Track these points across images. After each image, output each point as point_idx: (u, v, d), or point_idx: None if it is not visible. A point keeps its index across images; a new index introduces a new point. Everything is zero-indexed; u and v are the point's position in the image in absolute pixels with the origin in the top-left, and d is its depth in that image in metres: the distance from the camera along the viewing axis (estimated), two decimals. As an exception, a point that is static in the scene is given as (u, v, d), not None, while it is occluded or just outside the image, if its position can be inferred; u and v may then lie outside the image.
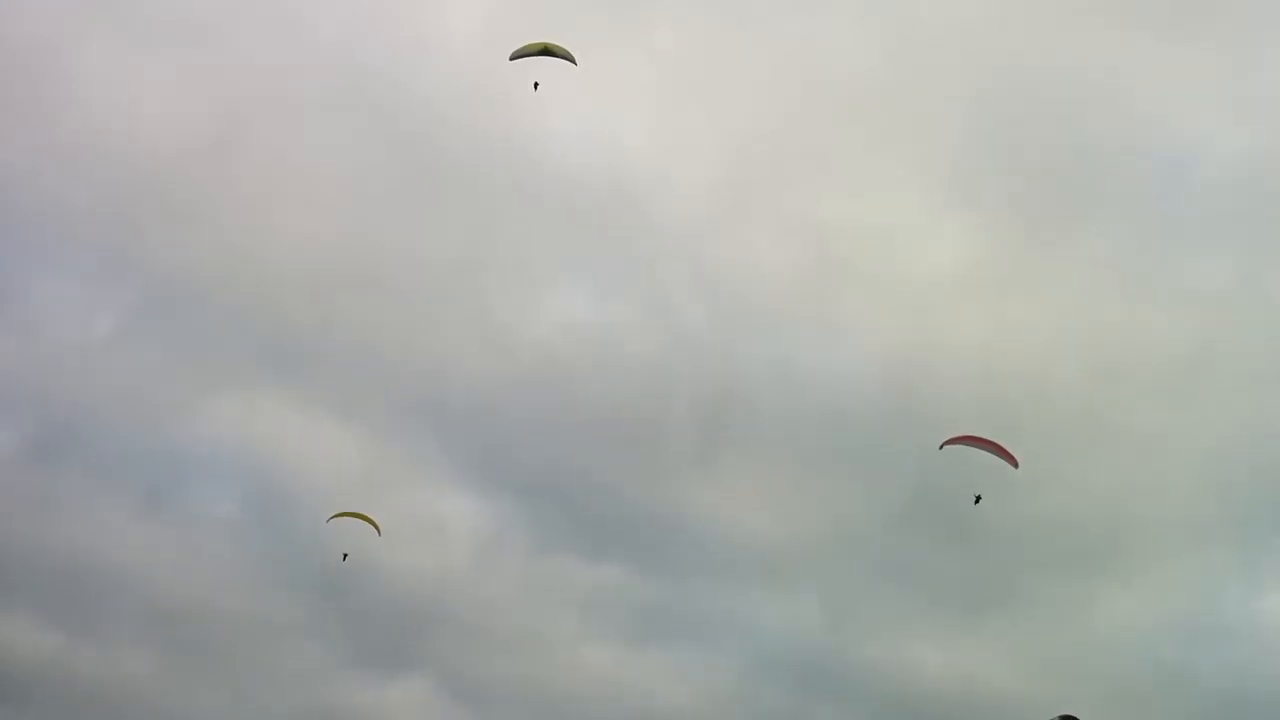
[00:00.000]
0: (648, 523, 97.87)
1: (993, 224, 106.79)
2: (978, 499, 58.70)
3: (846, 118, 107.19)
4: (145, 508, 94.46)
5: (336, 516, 63.25)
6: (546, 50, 56.78)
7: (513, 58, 57.41)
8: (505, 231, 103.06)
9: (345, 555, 64.93)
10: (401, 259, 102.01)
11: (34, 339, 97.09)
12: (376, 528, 62.56)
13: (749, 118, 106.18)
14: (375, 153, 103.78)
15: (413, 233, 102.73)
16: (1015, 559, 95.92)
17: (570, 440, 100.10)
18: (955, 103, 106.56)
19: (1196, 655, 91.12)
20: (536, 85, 59.60)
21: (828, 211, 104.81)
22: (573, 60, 56.99)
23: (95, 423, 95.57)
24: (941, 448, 54.85)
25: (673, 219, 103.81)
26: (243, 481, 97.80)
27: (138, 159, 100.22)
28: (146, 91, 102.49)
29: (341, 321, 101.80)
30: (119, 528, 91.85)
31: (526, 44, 56.92)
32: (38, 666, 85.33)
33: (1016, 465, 54.23)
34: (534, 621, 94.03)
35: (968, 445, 54.59)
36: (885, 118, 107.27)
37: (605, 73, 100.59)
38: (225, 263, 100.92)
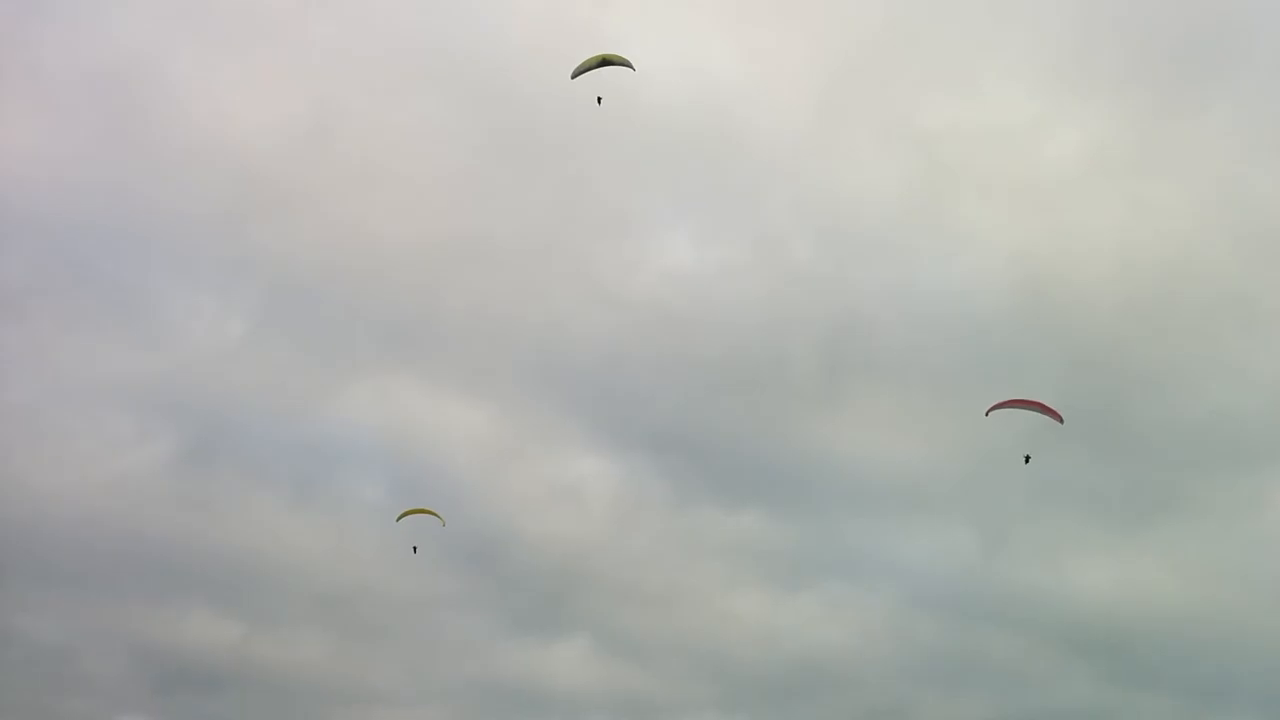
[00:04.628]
0: (784, 465, 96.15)
1: (1116, 103, 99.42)
2: (1027, 459, 57.69)
3: (941, 11, 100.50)
4: (298, 498, 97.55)
5: (403, 515, 65.54)
6: (605, 61, 56.51)
7: (574, 76, 57.19)
8: (600, 183, 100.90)
9: (415, 548, 68.20)
10: (502, 224, 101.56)
11: (173, 349, 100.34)
12: (441, 520, 64.88)
13: (836, 28, 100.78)
14: (464, 123, 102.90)
15: (510, 196, 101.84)
16: (1177, 462, 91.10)
17: (694, 390, 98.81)
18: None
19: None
20: (600, 100, 58.90)
21: (932, 116, 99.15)
22: (631, 66, 56.69)
23: (240, 422, 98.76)
24: (988, 414, 53.98)
25: (770, 148, 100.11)
26: (385, 464, 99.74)
27: (239, 161, 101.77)
28: (238, 94, 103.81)
29: (453, 295, 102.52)
30: (276, 519, 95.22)
31: (585, 60, 56.87)
32: (224, 656, 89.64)
33: (1061, 420, 53.47)
34: (682, 574, 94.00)
35: (1013, 409, 53.57)
36: (983, 5, 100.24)
37: (684, 7, 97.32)
38: (336, 251, 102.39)
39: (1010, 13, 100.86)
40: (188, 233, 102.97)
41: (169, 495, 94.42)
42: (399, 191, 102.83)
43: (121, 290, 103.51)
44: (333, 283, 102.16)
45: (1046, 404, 52.90)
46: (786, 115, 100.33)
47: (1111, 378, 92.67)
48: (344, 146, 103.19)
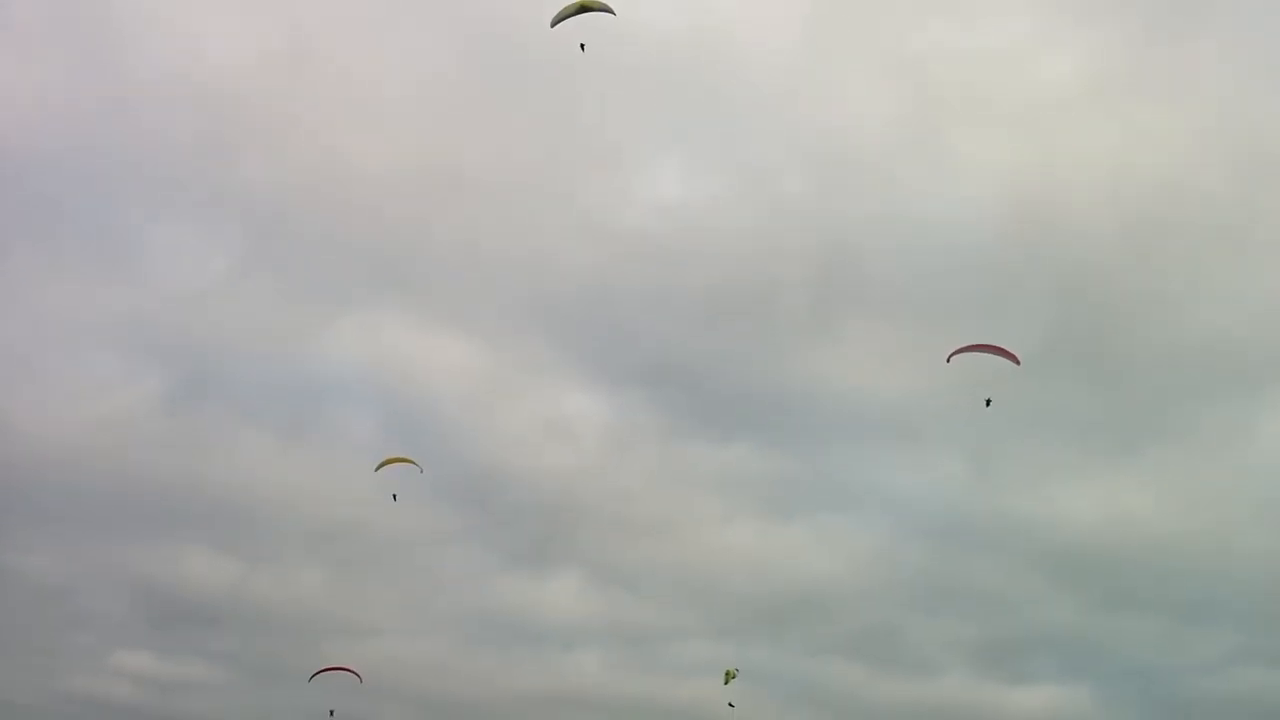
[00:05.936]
0: (774, 396, 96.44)
1: (1110, 27, 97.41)
2: (988, 402, 58.71)
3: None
4: (289, 435, 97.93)
5: (382, 465, 66.01)
6: (584, 8, 55.12)
7: (553, 24, 55.87)
8: (587, 114, 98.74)
9: (395, 496, 68.48)
10: (489, 157, 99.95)
11: (158, 288, 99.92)
12: (419, 467, 65.57)
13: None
14: (448, 53, 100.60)
15: (496, 128, 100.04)
16: (1166, 388, 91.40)
17: (684, 322, 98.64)
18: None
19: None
20: (583, 46, 57.32)
21: (923, 42, 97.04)
22: (611, 10, 55.33)
23: (228, 359, 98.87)
24: (949, 360, 55.90)
25: (759, 77, 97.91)
26: (375, 400, 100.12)
27: (218, 93, 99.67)
28: (214, 24, 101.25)
29: (438, 228, 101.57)
30: (269, 457, 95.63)
31: (563, 8, 55.42)
32: (223, 592, 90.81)
33: (1019, 362, 55.50)
34: (674, 506, 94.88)
35: (972, 353, 55.64)
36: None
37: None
38: (317, 184, 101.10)
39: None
40: (168, 168, 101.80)
41: (160, 433, 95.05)
42: (382, 124, 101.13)
43: (102, 228, 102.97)
44: (317, 217, 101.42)
45: (1004, 347, 54.99)
46: (775, 43, 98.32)
47: (1103, 304, 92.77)
48: (325, 78, 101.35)
